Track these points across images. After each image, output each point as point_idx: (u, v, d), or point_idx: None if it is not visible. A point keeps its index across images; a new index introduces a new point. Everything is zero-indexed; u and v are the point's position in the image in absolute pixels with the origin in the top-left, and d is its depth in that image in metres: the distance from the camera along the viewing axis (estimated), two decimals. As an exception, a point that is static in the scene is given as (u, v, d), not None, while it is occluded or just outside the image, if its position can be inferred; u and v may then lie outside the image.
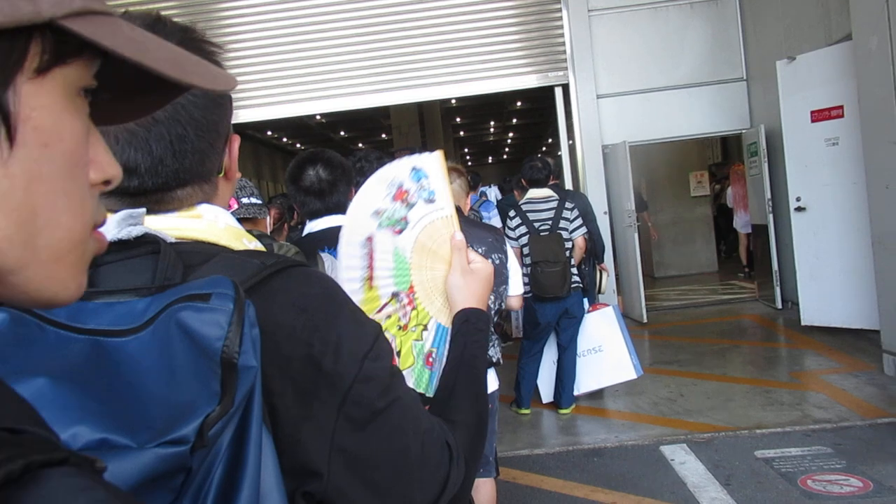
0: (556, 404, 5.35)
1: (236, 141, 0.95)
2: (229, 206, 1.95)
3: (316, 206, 2.24)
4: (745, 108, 8.37)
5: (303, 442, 0.75)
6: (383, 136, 24.32)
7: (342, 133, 25.15)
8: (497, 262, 3.04)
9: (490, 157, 39.18)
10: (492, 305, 3.03)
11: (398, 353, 1.09)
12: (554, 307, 5.07)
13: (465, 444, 0.90)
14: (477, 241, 2.99)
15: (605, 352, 5.27)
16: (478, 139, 33.09)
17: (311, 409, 0.76)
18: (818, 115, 6.44)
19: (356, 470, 0.77)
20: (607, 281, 5.96)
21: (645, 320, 8.19)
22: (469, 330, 1.07)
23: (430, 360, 1.11)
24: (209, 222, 0.86)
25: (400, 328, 1.10)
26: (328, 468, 0.75)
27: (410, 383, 1.10)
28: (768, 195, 7.76)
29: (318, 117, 19.87)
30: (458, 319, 1.09)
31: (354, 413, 0.77)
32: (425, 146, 21.00)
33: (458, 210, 2.99)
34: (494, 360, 3.07)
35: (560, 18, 8.17)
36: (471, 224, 3.16)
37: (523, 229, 5.08)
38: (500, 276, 3.07)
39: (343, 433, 0.76)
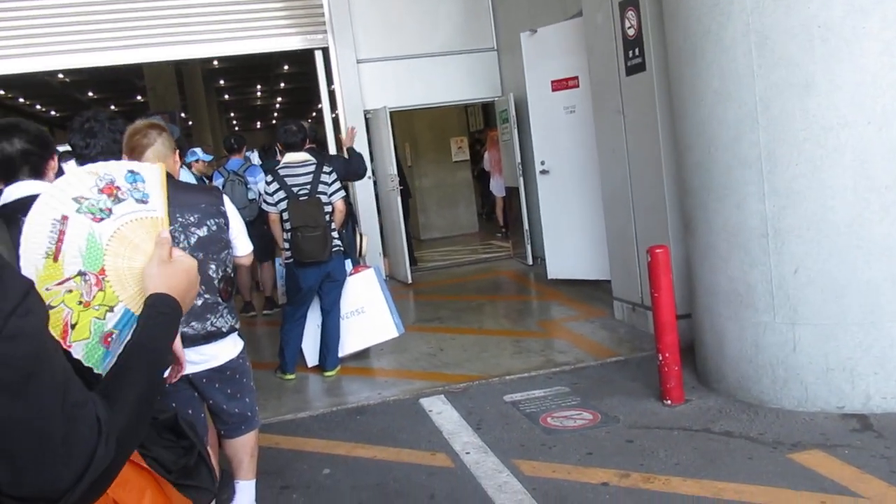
0: (322, 367, 5.39)
1: None
2: None
3: (7, 164, 2.23)
4: (496, 77, 8.86)
5: None
6: (139, 97, 22.64)
7: (91, 94, 23.06)
8: (214, 227, 3.04)
9: (258, 122, 38.03)
10: (213, 274, 3.02)
11: (73, 326, 1.10)
12: (316, 272, 5.08)
13: (121, 424, 0.90)
14: (189, 208, 2.97)
15: (367, 313, 5.39)
16: (244, 103, 31.94)
17: None
18: (558, 85, 6.98)
19: None
20: (367, 244, 6.07)
21: (409, 281, 8.47)
22: (152, 313, 1.10)
23: (109, 339, 1.13)
24: None
25: (80, 303, 1.12)
26: None
27: (80, 355, 1.10)
28: (518, 159, 8.31)
29: (60, 75, 18.02)
30: (145, 303, 1.12)
31: (0, 374, 0.74)
32: (185, 109, 19.87)
33: (169, 176, 2.92)
34: (227, 328, 3.10)
35: (319, -21, 8.08)
36: (183, 189, 3.14)
37: (282, 194, 5.02)
38: (220, 242, 3.07)
39: None
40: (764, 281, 3.88)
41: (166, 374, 2.07)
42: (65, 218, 1.13)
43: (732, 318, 4.08)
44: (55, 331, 1.08)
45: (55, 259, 1.12)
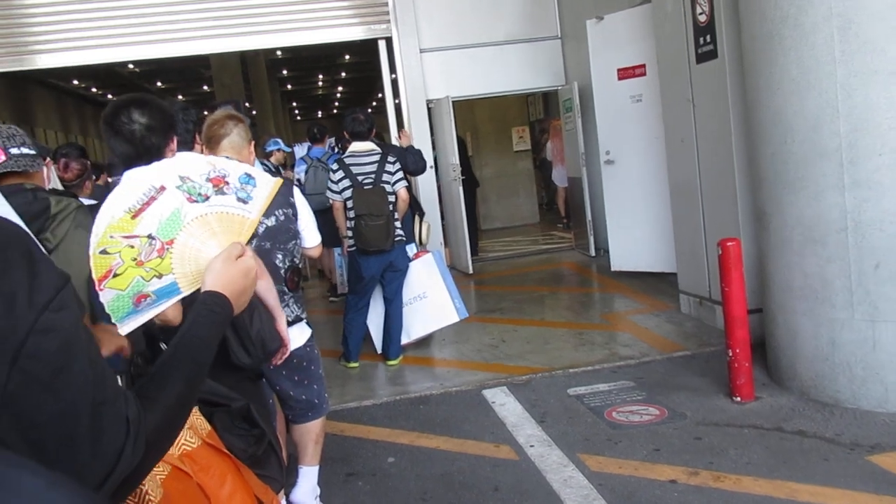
0: (385, 356, 5.43)
1: None
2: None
3: (125, 149, 2.12)
4: (560, 66, 8.74)
5: None
6: (205, 87, 23.14)
7: (159, 84, 23.68)
8: (282, 217, 3.06)
9: (320, 112, 38.49)
10: (280, 264, 3.06)
11: (116, 275, 1.12)
12: (378, 260, 5.11)
13: (153, 425, 0.88)
14: None
15: (429, 298, 5.39)
16: (306, 93, 32.35)
17: None
18: (624, 73, 6.85)
19: (20, 428, 0.74)
20: (429, 232, 6.06)
21: (471, 271, 8.46)
22: (203, 310, 1.09)
23: (142, 300, 1.14)
24: None
25: (134, 260, 1.14)
26: None
27: (106, 300, 1.12)
28: (582, 149, 8.20)
29: (130, 66, 18.55)
30: (198, 300, 1.12)
31: (30, 368, 0.74)
32: (250, 99, 20.23)
33: None
34: (292, 317, 3.13)
35: (383, -31, 8.10)
36: None
37: (346, 182, 5.06)
38: (287, 232, 3.10)
39: (14, 388, 0.73)
40: (842, 276, 3.73)
41: (274, 357, 2.11)
42: (162, 188, 1.17)
43: (807, 314, 3.94)
44: (97, 273, 1.12)
45: (133, 217, 1.15)
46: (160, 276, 1.15)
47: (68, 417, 0.76)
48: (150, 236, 1.15)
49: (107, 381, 0.83)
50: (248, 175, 1.25)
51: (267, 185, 1.26)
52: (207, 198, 1.20)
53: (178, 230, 1.17)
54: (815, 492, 3.04)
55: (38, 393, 0.74)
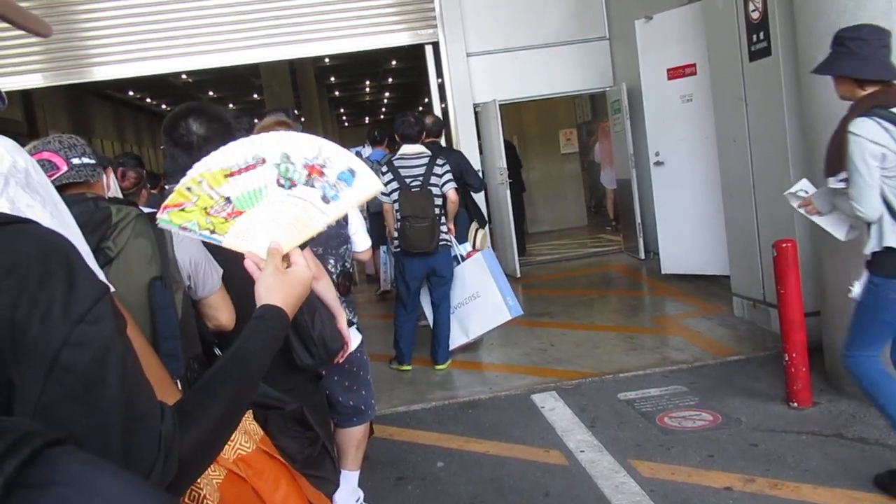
0: (433, 361, 5.43)
1: None
2: (58, 168, 1.84)
3: (185, 161, 2.15)
4: (608, 67, 8.65)
5: (4, 405, 0.72)
6: (255, 96, 23.52)
7: (210, 93, 24.13)
8: (333, 223, 3.08)
9: (367, 118, 38.79)
10: (332, 269, 3.08)
11: (183, 209, 1.15)
12: (421, 263, 5.13)
13: (190, 443, 0.86)
14: None
15: (482, 297, 5.37)
16: (353, 99, 32.63)
17: (15, 373, 0.72)
18: (673, 73, 6.75)
19: None
20: (483, 241, 6.04)
21: (518, 275, 8.42)
22: (260, 326, 1.06)
23: (183, 230, 1.17)
24: None
25: (205, 209, 1.15)
26: None
27: (159, 216, 1.15)
28: (631, 150, 8.10)
29: (183, 76, 18.97)
30: (255, 315, 1.09)
31: (64, 380, 0.74)
32: (299, 107, 20.49)
33: None
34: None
35: (429, -25, 8.13)
36: None
37: (395, 185, 5.09)
38: (339, 238, 3.13)
39: (48, 400, 0.73)
40: (904, 278, 3.60)
41: (336, 357, 2.12)
42: (262, 160, 1.15)
43: (868, 317, 3.81)
44: (171, 200, 1.14)
45: (227, 176, 1.15)
46: (212, 232, 1.15)
47: (100, 430, 0.76)
48: (227, 199, 1.15)
49: (142, 395, 0.82)
50: (352, 172, 1.17)
51: (362, 191, 1.18)
52: (294, 185, 1.16)
53: (254, 204, 1.16)
54: (878, 501, 2.94)
55: (72, 405, 0.74)
